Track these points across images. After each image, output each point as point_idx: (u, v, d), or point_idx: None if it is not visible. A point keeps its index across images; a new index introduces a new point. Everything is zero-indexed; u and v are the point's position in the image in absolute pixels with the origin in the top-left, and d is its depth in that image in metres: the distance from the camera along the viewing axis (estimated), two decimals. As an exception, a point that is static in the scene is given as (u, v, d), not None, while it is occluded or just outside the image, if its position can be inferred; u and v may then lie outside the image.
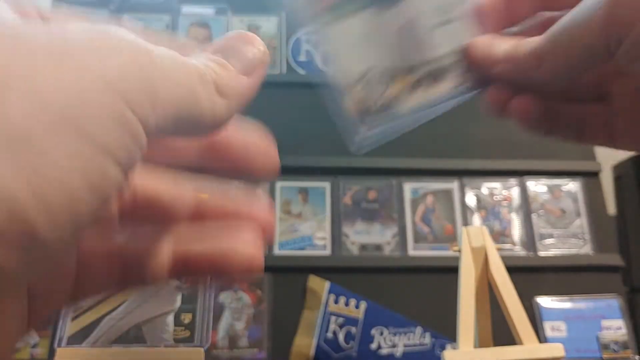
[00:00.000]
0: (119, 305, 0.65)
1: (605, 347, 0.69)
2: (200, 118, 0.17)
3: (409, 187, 0.80)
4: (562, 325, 0.71)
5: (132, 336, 0.64)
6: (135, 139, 0.14)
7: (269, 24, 0.91)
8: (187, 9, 0.90)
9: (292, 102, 0.86)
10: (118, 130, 0.14)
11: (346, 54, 0.26)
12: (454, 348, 0.44)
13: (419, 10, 0.27)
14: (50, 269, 0.18)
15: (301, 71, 0.88)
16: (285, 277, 0.72)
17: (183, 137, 0.20)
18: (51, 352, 0.63)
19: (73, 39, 0.15)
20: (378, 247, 0.76)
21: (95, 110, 0.13)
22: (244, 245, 0.21)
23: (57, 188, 0.13)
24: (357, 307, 0.69)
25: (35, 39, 0.14)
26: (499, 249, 0.47)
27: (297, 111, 0.86)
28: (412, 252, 0.75)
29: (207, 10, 0.91)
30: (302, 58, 0.89)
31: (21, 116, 0.12)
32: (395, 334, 0.67)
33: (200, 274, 0.21)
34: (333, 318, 0.68)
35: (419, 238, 0.77)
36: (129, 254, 0.20)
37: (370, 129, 0.26)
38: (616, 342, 0.70)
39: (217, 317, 0.67)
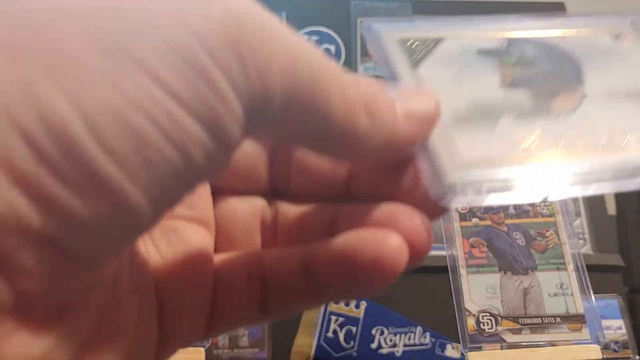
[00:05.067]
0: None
1: (605, 347, 0.69)
2: (327, 124, 0.14)
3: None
4: (562, 325, 0.71)
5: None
6: (221, 99, 0.12)
7: (270, 24, 0.91)
8: (187, 9, 0.90)
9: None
10: (192, 77, 0.11)
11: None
12: (454, 348, 0.44)
13: (543, 281, 0.40)
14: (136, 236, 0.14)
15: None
16: (286, 277, 0.72)
17: (310, 145, 0.17)
18: None
19: None
20: (378, 247, 0.76)
21: (161, 47, 0.11)
22: (376, 238, 0.16)
23: (115, 121, 0.11)
24: (357, 306, 0.69)
25: None
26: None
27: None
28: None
29: (208, 11, 0.91)
30: (303, 59, 0.89)
31: (73, 39, 0.11)
32: (395, 334, 0.67)
33: (331, 284, 0.17)
34: (333, 317, 0.68)
35: (419, 238, 0.77)
36: (270, 275, 0.18)
37: None
38: (616, 342, 0.70)
39: (217, 317, 0.68)
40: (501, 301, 0.47)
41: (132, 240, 0.14)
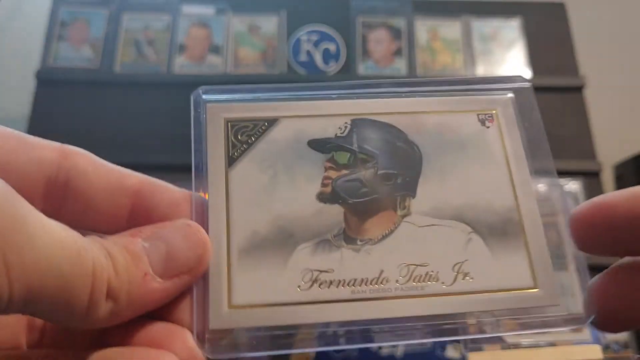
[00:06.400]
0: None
1: (605, 347, 0.69)
2: (67, 315, 0.15)
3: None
4: (562, 325, 0.71)
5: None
6: None
7: (269, 23, 0.91)
8: (187, 8, 0.90)
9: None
10: None
11: None
12: (454, 348, 0.44)
13: None
14: None
15: (301, 71, 0.88)
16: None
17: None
18: None
19: None
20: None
21: None
22: None
23: None
24: (357, 307, 0.69)
25: None
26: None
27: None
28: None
29: (208, 10, 0.91)
30: (303, 58, 0.89)
31: None
32: (395, 334, 0.67)
33: None
34: (333, 318, 0.68)
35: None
36: None
37: None
38: (616, 342, 0.70)
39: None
40: (502, 302, 0.46)
41: None
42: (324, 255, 0.19)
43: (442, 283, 0.20)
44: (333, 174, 0.21)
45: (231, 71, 0.87)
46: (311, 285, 0.19)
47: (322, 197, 0.20)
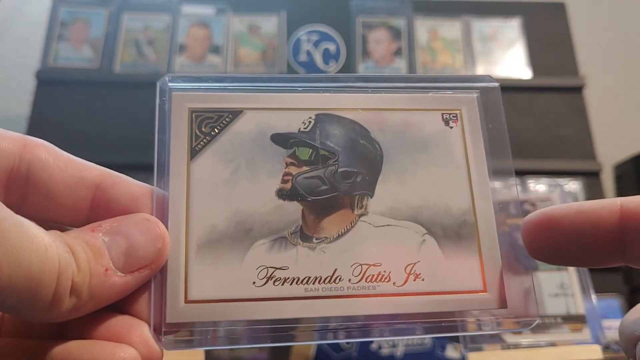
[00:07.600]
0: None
1: (605, 347, 0.69)
2: (31, 309, 0.15)
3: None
4: (562, 325, 0.70)
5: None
6: None
7: (269, 23, 0.91)
8: (187, 8, 0.90)
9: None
10: None
11: None
12: (454, 348, 0.44)
13: (543, 282, 0.39)
14: None
15: (301, 71, 0.88)
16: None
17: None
18: None
19: None
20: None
21: None
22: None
23: None
24: (357, 307, 0.69)
25: None
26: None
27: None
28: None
29: (208, 10, 0.91)
30: (303, 58, 0.89)
31: None
32: (395, 334, 0.67)
33: None
34: (333, 318, 0.68)
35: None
36: None
37: None
38: (617, 342, 0.69)
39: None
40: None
41: None
42: (280, 253, 0.20)
43: (394, 283, 0.20)
44: (294, 170, 0.21)
45: (231, 71, 0.87)
46: (266, 282, 0.19)
47: (281, 194, 0.20)
